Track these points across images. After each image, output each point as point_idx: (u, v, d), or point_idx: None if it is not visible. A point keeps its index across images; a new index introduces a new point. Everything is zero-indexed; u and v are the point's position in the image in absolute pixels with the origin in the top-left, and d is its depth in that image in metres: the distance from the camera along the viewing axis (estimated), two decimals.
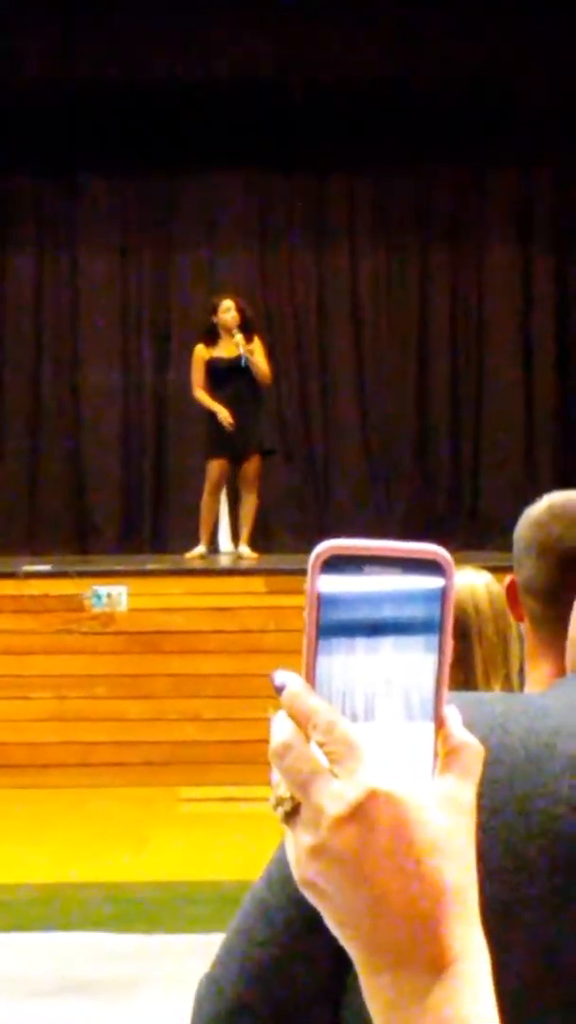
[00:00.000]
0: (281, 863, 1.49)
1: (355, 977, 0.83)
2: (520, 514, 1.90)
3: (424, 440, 14.09)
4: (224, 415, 11.65)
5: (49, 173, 13.68)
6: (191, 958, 6.03)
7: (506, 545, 2.36)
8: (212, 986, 1.52)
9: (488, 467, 13.95)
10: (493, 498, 13.59)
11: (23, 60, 13.18)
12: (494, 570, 3.65)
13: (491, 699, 1.52)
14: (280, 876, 1.47)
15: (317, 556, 0.84)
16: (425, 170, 13.76)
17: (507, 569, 2.00)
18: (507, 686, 3.42)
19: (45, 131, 13.34)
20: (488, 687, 3.37)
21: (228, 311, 11.80)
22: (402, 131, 13.40)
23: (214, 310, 11.87)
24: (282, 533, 13.32)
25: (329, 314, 14.14)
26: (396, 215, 14.05)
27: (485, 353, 14.13)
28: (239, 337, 11.69)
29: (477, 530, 13.43)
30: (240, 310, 11.84)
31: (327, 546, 0.85)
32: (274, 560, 11.91)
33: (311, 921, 1.40)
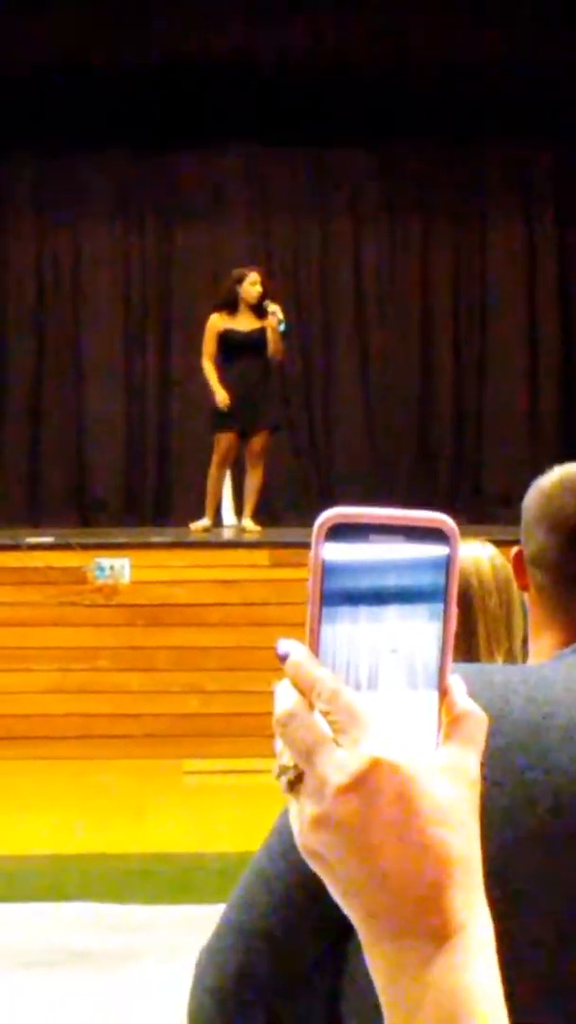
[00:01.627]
0: (281, 834, 1.49)
1: (355, 946, 0.84)
2: (523, 488, 1.90)
3: (427, 414, 14.09)
4: (222, 397, 11.55)
5: (49, 155, 13.64)
6: (192, 930, 6.04)
7: (510, 519, 2.36)
8: (213, 956, 1.53)
9: (491, 441, 13.95)
10: (497, 472, 13.59)
11: (21, 39, 13.13)
12: (498, 543, 3.65)
13: (492, 670, 1.52)
14: (280, 847, 1.47)
15: (321, 524, 0.84)
16: (428, 145, 13.73)
17: (511, 543, 2.00)
18: (510, 658, 3.42)
19: (44, 111, 13.29)
20: (491, 659, 3.37)
21: (255, 284, 11.67)
22: (405, 106, 13.37)
23: (239, 280, 11.70)
24: (285, 507, 13.33)
25: (332, 290, 14.12)
26: (399, 189, 14.03)
27: (488, 327, 14.12)
28: (275, 307, 11.52)
29: (481, 504, 13.43)
30: (264, 284, 11.76)
31: (331, 514, 0.84)
32: (277, 533, 11.91)
33: (311, 891, 1.41)
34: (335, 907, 0.86)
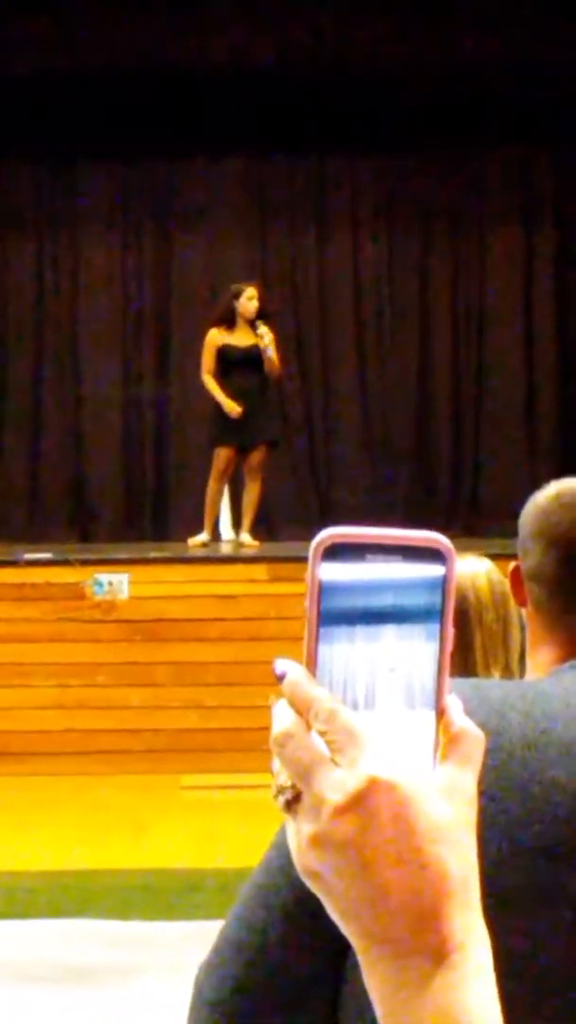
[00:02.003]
0: (279, 850, 1.49)
1: (354, 963, 0.84)
2: (521, 500, 1.90)
3: (425, 427, 14.09)
4: (230, 407, 11.58)
5: (47, 163, 13.66)
6: (191, 946, 6.03)
7: (507, 532, 2.36)
8: (212, 971, 1.53)
9: (489, 454, 13.95)
10: (494, 485, 13.59)
11: (19, 49, 13.15)
12: (495, 557, 3.65)
13: (489, 685, 1.53)
14: (279, 863, 1.48)
15: (318, 544, 0.84)
16: (426, 150, 13.74)
17: (509, 556, 2.00)
18: (507, 673, 3.42)
19: (42, 121, 13.31)
20: (487, 674, 3.37)
21: (252, 299, 11.70)
22: (402, 112, 13.37)
23: (237, 296, 11.74)
24: (283, 521, 13.32)
25: (330, 298, 14.13)
26: (397, 198, 14.03)
27: (486, 338, 14.12)
28: (264, 329, 11.58)
29: (478, 517, 13.44)
30: (262, 300, 11.78)
31: (328, 534, 0.84)
32: (275, 548, 11.90)
33: (309, 907, 1.41)
34: (333, 923, 0.86)
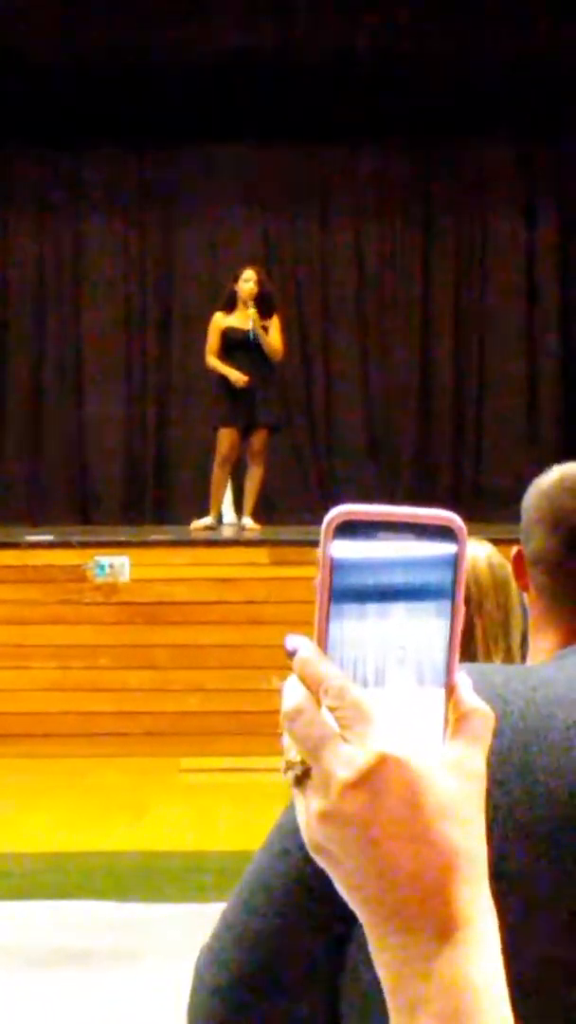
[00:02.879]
0: (281, 835, 1.49)
1: (356, 945, 0.84)
2: (523, 486, 1.90)
3: (427, 412, 14.09)
4: (236, 376, 11.62)
5: (50, 149, 13.65)
6: (191, 928, 6.04)
7: (509, 517, 2.36)
8: (212, 956, 1.52)
9: (491, 439, 13.95)
10: (496, 470, 13.60)
11: (22, 38, 13.13)
12: (497, 542, 3.65)
13: (492, 670, 1.52)
14: (280, 846, 1.47)
15: (330, 521, 0.84)
16: (429, 142, 13.74)
17: (510, 542, 2.00)
18: (508, 658, 3.42)
19: (45, 108, 13.29)
20: (489, 659, 3.36)
21: (248, 281, 11.74)
22: (405, 103, 13.36)
23: (236, 279, 11.81)
24: (285, 505, 13.33)
25: (332, 288, 14.13)
26: (400, 186, 14.03)
27: (488, 325, 14.12)
28: (251, 311, 11.65)
29: (480, 502, 13.43)
30: (260, 283, 11.80)
31: (340, 511, 0.85)
32: (277, 531, 11.90)
33: (310, 890, 1.41)
34: (334, 906, 0.86)
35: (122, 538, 11.42)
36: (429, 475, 13.94)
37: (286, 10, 13.34)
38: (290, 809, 1.46)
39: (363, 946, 0.82)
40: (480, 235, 14.13)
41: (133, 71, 13.25)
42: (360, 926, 0.86)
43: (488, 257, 14.11)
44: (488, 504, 13.30)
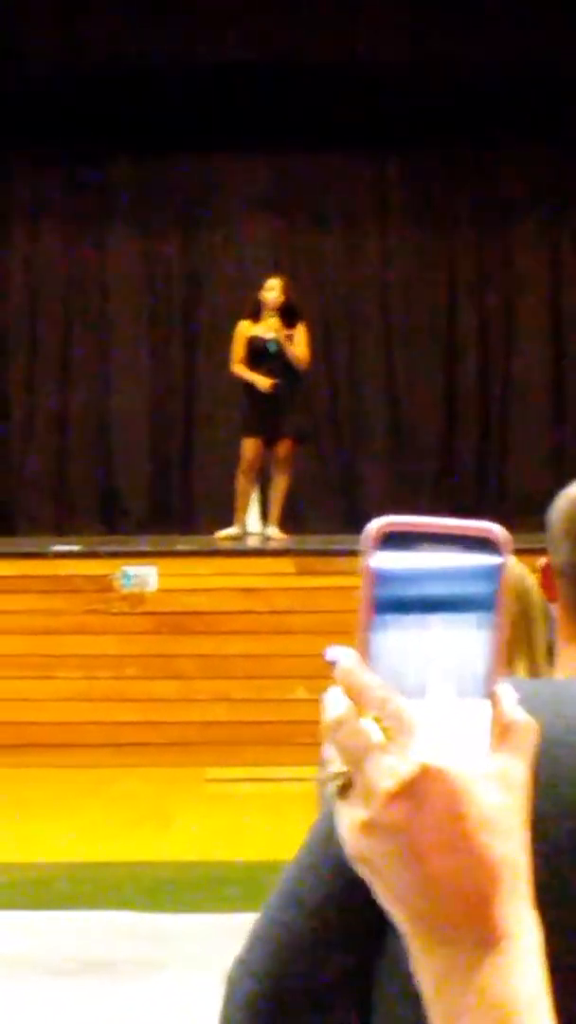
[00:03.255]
0: (312, 848, 1.48)
1: (388, 958, 0.84)
2: (547, 495, 1.89)
3: (452, 420, 14.07)
4: (262, 382, 11.66)
5: (75, 158, 13.67)
6: (216, 939, 6.04)
7: (534, 526, 2.35)
8: (243, 969, 1.52)
9: (516, 447, 13.92)
10: (521, 479, 13.57)
11: (47, 48, 13.17)
12: (521, 552, 3.63)
13: (517, 683, 1.52)
14: (310, 860, 1.47)
15: (372, 532, 0.85)
16: (453, 151, 13.74)
17: (535, 551, 1.99)
18: (532, 669, 3.40)
19: (70, 117, 13.32)
20: (511, 671, 3.34)
21: (271, 290, 11.80)
22: (429, 113, 13.35)
23: (261, 288, 11.87)
24: (310, 514, 13.32)
25: (356, 295, 14.12)
26: (424, 197, 14.01)
27: (513, 331, 14.09)
28: (273, 320, 11.69)
29: (505, 511, 13.39)
30: (284, 292, 11.83)
31: (383, 522, 0.85)
32: (302, 541, 11.90)
33: (342, 904, 1.40)
34: (365, 920, 0.86)
35: (148, 548, 11.43)
36: (454, 483, 13.91)
37: (308, 20, 13.34)
38: (319, 823, 1.46)
39: (394, 959, 0.82)
40: (505, 241, 14.10)
41: (158, 81, 13.27)
42: (392, 939, 0.86)
43: (514, 263, 14.08)
44: (513, 512, 13.27)
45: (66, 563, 10.92)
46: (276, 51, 13.39)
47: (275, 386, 11.66)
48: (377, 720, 0.83)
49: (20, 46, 13.17)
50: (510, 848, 0.84)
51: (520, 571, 3.43)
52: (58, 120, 13.32)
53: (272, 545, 11.69)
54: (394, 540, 0.84)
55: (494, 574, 0.84)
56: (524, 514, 13.04)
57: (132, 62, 13.26)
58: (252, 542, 12.08)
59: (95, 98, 13.27)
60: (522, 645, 3.42)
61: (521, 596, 3.41)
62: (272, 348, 11.69)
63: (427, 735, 0.83)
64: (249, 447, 11.89)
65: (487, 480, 13.99)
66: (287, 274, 12.50)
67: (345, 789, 0.85)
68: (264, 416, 11.74)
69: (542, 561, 1.87)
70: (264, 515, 12.34)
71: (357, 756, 0.84)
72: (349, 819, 0.85)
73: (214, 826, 8.81)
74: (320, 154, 13.83)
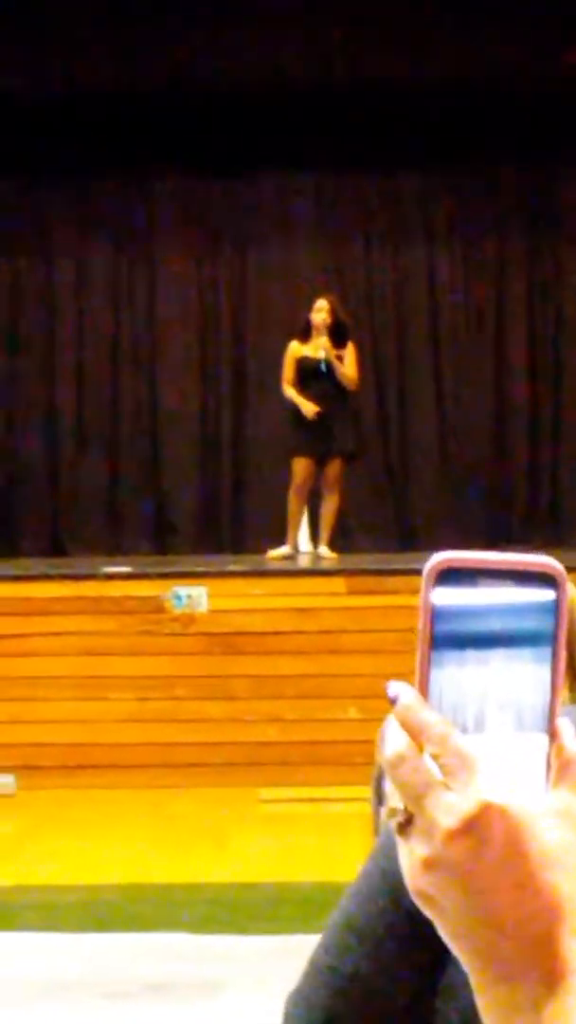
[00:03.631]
0: (370, 878, 1.48)
1: (445, 994, 0.83)
2: None
3: (502, 438, 14.03)
4: (308, 408, 11.71)
5: (125, 177, 13.73)
6: (272, 960, 6.03)
7: None
8: (300, 1000, 1.51)
9: (567, 465, 13.87)
10: (572, 497, 13.52)
11: (95, 66, 13.23)
12: (571, 570, 3.61)
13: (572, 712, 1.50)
14: (369, 890, 1.46)
15: (431, 568, 0.85)
16: (500, 167, 13.72)
17: None
18: None
19: (119, 136, 13.39)
20: (571, 698, 3.29)
21: (320, 311, 11.84)
22: (477, 129, 13.36)
23: (310, 308, 11.92)
24: (360, 533, 13.30)
25: (405, 312, 14.11)
26: (471, 209, 14.00)
27: (563, 346, 14.05)
28: (323, 339, 11.73)
29: (556, 529, 13.37)
30: (333, 312, 11.87)
31: (441, 558, 0.86)
32: (354, 560, 11.89)
33: (399, 935, 1.39)
34: (423, 952, 0.86)
35: (199, 568, 11.44)
36: (505, 502, 13.86)
37: (355, 41, 13.37)
38: (377, 853, 1.45)
39: (452, 992, 0.81)
40: (556, 255, 14.07)
41: (205, 100, 13.32)
42: (451, 972, 0.86)
43: (564, 277, 14.04)
44: (565, 529, 13.24)
45: (117, 584, 10.94)
46: (325, 70, 13.41)
47: (319, 413, 11.70)
48: (436, 756, 0.83)
49: (70, 62, 13.24)
50: (572, 885, 0.83)
51: (571, 592, 3.38)
52: (108, 138, 13.38)
53: (323, 565, 11.69)
54: (452, 576, 0.85)
55: (552, 609, 0.85)
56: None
57: (182, 81, 13.30)
58: (303, 562, 12.07)
59: (146, 116, 13.34)
60: (567, 668, 3.37)
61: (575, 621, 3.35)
62: (324, 367, 11.72)
63: (487, 772, 0.83)
64: (300, 467, 11.90)
65: (539, 497, 13.94)
66: (336, 294, 12.51)
67: (405, 826, 0.85)
68: (314, 436, 11.76)
69: None
70: (314, 535, 12.34)
71: (417, 793, 0.84)
72: (410, 856, 0.85)
73: (269, 847, 8.80)
74: (368, 175, 13.85)
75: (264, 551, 12.21)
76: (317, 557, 12.01)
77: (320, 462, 11.89)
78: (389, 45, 13.33)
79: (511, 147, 13.50)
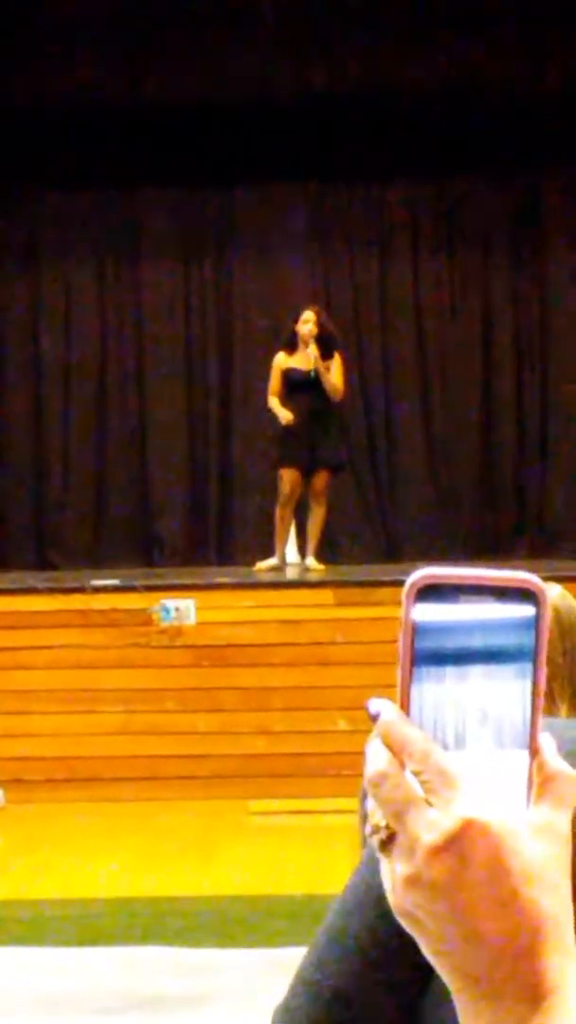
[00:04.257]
0: (355, 892, 1.47)
1: (430, 1005, 0.83)
2: None
3: (490, 448, 14.04)
4: (284, 415, 11.71)
5: (109, 190, 13.73)
6: (261, 973, 6.02)
7: (573, 554, 2.34)
8: (287, 1015, 1.51)
9: (555, 475, 13.88)
10: (560, 507, 13.54)
11: (84, 80, 13.25)
12: (560, 580, 3.61)
13: (565, 726, 1.50)
14: (355, 904, 1.46)
15: (412, 585, 0.85)
16: (486, 178, 13.74)
17: (573, 579, 1.98)
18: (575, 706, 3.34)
19: (103, 149, 13.39)
20: (555, 710, 3.29)
21: (307, 322, 11.84)
22: (462, 140, 13.38)
23: (296, 319, 11.92)
24: (348, 545, 13.31)
25: (392, 324, 14.12)
26: (458, 224, 14.02)
27: (550, 358, 14.07)
28: (311, 349, 11.73)
29: (544, 539, 13.37)
30: (319, 324, 11.86)
31: (422, 574, 0.85)
32: (341, 572, 11.89)
33: (384, 950, 1.39)
34: (409, 966, 0.85)
35: (187, 581, 11.43)
36: (493, 510, 13.87)
37: (341, 51, 13.40)
38: (362, 867, 1.45)
39: (437, 1006, 0.81)
40: (539, 272, 14.09)
41: (191, 111, 13.33)
42: (434, 987, 0.85)
43: (549, 292, 14.06)
44: (553, 539, 13.24)
45: (105, 597, 10.92)
46: (311, 83, 13.44)
47: (304, 424, 11.69)
48: (418, 773, 0.83)
49: (56, 73, 13.25)
50: (555, 901, 0.83)
51: (566, 604, 3.38)
52: (94, 148, 13.39)
53: (311, 576, 11.68)
54: (433, 592, 0.85)
55: (532, 625, 0.85)
56: (564, 542, 13.07)
57: (168, 91, 13.33)
58: (291, 574, 12.07)
59: (132, 126, 13.36)
60: (566, 683, 3.36)
61: (566, 632, 3.35)
62: (312, 376, 11.72)
63: (469, 788, 0.82)
64: (287, 478, 11.91)
65: (526, 507, 13.95)
66: (322, 305, 12.51)
67: (387, 843, 0.84)
68: (300, 447, 11.76)
69: None
70: (302, 547, 12.34)
71: (399, 810, 0.83)
72: (392, 874, 0.84)
73: (258, 859, 8.78)
74: (354, 186, 13.86)
75: (252, 563, 12.21)
76: (305, 569, 12.01)
77: (306, 473, 11.89)
78: (375, 56, 13.37)
79: (495, 155, 13.50)
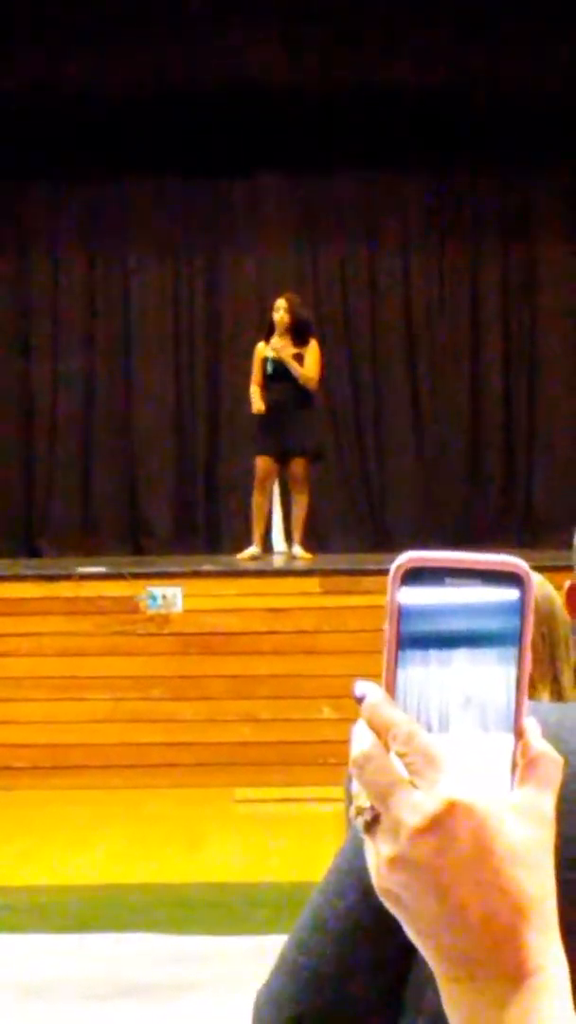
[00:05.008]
0: (337, 874, 1.48)
1: (414, 987, 0.84)
2: (573, 512, 1.88)
3: (477, 438, 14.06)
4: (255, 405, 11.81)
5: (97, 179, 13.71)
6: (246, 960, 6.03)
7: (559, 544, 2.35)
8: (270, 996, 1.51)
9: (542, 465, 13.90)
10: (546, 497, 13.54)
11: (69, 68, 13.23)
12: (546, 569, 3.61)
13: (547, 709, 1.51)
14: (337, 887, 1.46)
15: (397, 568, 0.85)
16: (477, 167, 13.74)
17: (560, 569, 1.98)
18: (557, 693, 3.37)
19: (91, 138, 13.37)
20: (535, 694, 3.31)
21: (278, 310, 11.84)
22: (452, 130, 13.38)
23: (272, 308, 11.94)
24: (335, 533, 13.32)
25: (380, 314, 14.12)
26: (447, 213, 14.02)
27: (539, 350, 14.08)
28: (276, 340, 11.74)
29: (530, 529, 13.39)
30: (291, 310, 11.84)
31: (407, 558, 0.86)
32: (328, 560, 11.89)
33: (367, 932, 1.40)
34: (391, 948, 0.86)
35: (174, 569, 11.43)
36: (479, 500, 13.89)
37: (330, 40, 13.38)
38: (345, 849, 1.45)
39: (420, 987, 0.82)
40: (528, 261, 14.10)
41: (177, 102, 13.31)
42: (417, 968, 0.86)
43: (538, 284, 14.07)
44: (539, 529, 13.25)
45: (91, 585, 10.93)
46: (299, 72, 13.43)
47: (276, 412, 11.70)
48: (402, 755, 0.83)
49: (45, 63, 13.22)
50: (538, 882, 0.84)
51: (544, 592, 3.39)
52: (82, 138, 13.36)
53: (297, 565, 11.69)
54: (419, 576, 0.85)
55: (517, 608, 0.85)
56: (550, 531, 13.07)
57: (157, 82, 13.31)
58: (277, 562, 12.08)
59: (121, 117, 13.32)
60: (545, 668, 3.39)
61: (544, 618, 3.37)
62: (269, 368, 11.73)
63: (453, 770, 0.83)
64: (260, 465, 11.94)
65: (513, 497, 13.97)
66: (307, 293, 12.50)
67: (372, 824, 0.85)
68: (272, 434, 11.78)
69: (568, 583, 1.86)
70: (288, 535, 12.34)
71: (383, 792, 0.83)
72: (376, 855, 0.84)
73: (244, 847, 8.79)
74: (343, 176, 13.84)
75: (239, 551, 12.21)
76: (291, 557, 12.01)
77: (281, 461, 11.90)
78: (365, 48, 13.35)
79: (486, 148, 13.50)
